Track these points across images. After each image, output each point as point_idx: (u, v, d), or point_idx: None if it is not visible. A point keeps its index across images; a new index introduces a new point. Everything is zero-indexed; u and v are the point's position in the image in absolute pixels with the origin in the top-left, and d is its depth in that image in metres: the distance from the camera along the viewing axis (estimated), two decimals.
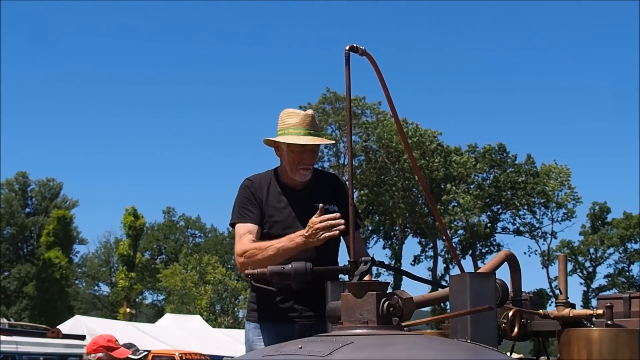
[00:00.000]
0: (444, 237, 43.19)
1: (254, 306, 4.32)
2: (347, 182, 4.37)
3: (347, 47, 2.91)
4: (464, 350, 2.37)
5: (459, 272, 2.88)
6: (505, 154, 50.52)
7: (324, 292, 2.96)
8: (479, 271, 3.01)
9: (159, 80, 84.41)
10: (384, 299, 2.42)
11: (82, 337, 17.98)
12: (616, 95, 74.44)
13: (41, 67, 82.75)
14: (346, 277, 3.06)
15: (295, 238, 3.95)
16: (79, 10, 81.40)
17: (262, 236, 4.21)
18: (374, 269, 3.01)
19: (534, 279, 59.38)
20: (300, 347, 2.28)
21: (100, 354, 5.62)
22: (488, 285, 2.64)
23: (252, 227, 4.21)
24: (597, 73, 76.53)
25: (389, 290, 2.51)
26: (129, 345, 6.04)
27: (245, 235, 4.18)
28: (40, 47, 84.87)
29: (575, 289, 53.07)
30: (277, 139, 4.21)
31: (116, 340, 5.77)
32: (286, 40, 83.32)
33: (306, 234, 3.91)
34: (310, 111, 4.29)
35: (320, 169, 4.39)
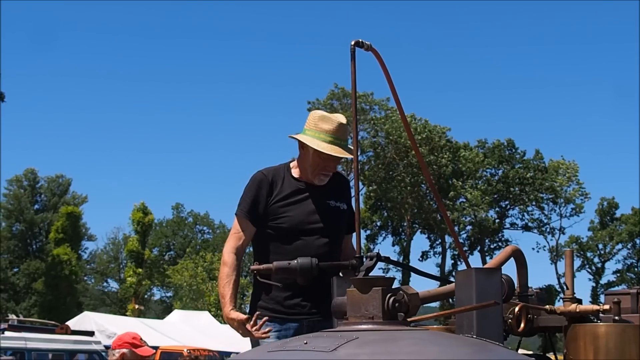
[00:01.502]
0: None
1: (260, 302, 4.31)
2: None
3: (353, 43, 2.92)
4: (469, 346, 2.36)
5: (466, 268, 2.88)
6: (514, 150, 50.42)
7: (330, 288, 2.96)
8: (485, 266, 3.01)
9: (169, 77, 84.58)
10: (389, 295, 2.41)
11: (91, 334, 17.99)
12: (621, 92, 74.15)
13: (49, 65, 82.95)
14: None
15: (226, 306, 4.13)
16: (83, 7, 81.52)
17: (275, 230, 4.23)
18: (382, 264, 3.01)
19: (542, 274, 59.30)
20: (306, 343, 2.28)
21: (124, 350, 5.78)
22: (494, 281, 2.63)
23: (246, 226, 4.25)
24: (604, 70, 76.32)
25: (395, 285, 2.50)
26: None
27: (233, 236, 4.27)
28: (45, 43, 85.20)
29: (583, 285, 52.93)
30: (308, 142, 4.16)
31: (141, 339, 5.93)
32: (295, 36, 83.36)
33: (231, 317, 4.08)
34: (344, 119, 4.25)
35: None
